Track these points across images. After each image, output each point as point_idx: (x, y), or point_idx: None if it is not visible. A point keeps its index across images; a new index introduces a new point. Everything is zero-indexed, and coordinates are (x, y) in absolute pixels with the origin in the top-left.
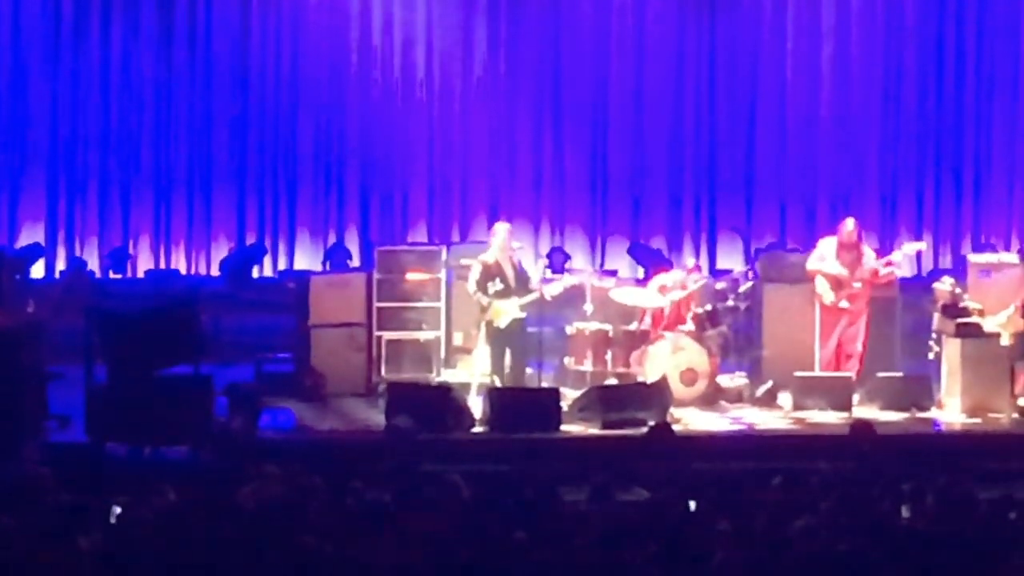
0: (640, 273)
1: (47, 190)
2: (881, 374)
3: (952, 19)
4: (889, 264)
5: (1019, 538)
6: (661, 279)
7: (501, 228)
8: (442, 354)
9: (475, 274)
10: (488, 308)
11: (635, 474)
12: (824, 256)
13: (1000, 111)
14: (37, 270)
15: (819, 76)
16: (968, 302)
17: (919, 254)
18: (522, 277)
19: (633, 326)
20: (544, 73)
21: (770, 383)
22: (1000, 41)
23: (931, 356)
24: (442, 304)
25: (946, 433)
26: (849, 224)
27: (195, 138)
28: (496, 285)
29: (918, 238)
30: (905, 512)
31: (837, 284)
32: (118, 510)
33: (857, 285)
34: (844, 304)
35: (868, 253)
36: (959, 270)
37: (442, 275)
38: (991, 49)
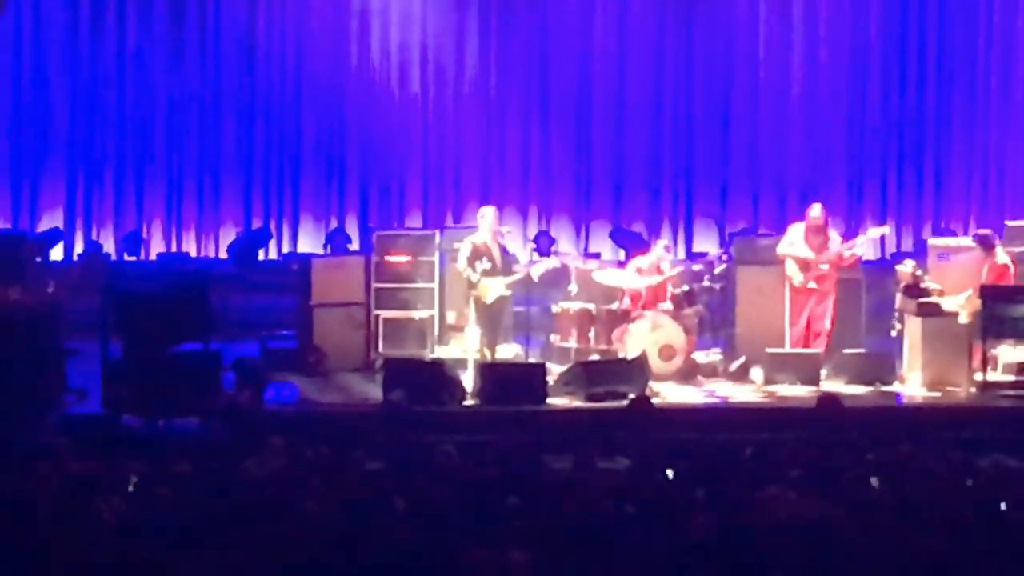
0: (622, 256)
1: (66, 178)
2: (847, 351)
3: (914, 22)
4: (852, 247)
5: (977, 502)
6: (637, 261)
7: (488, 211)
8: (436, 332)
9: (465, 253)
10: (476, 285)
11: (616, 444)
12: (793, 241)
13: (959, 106)
14: (57, 253)
15: (789, 73)
16: (928, 283)
17: (882, 237)
18: (508, 258)
19: (615, 305)
20: (532, 70)
21: (743, 359)
22: (959, 42)
23: (894, 334)
24: (436, 285)
25: (908, 406)
26: (816, 210)
27: (204, 129)
28: (484, 264)
29: (882, 223)
30: (874, 482)
31: (805, 266)
32: (135, 479)
33: (824, 267)
34: (812, 285)
35: (834, 237)
36: (920, 253)
37: (436, 258)
38: (951, 49)
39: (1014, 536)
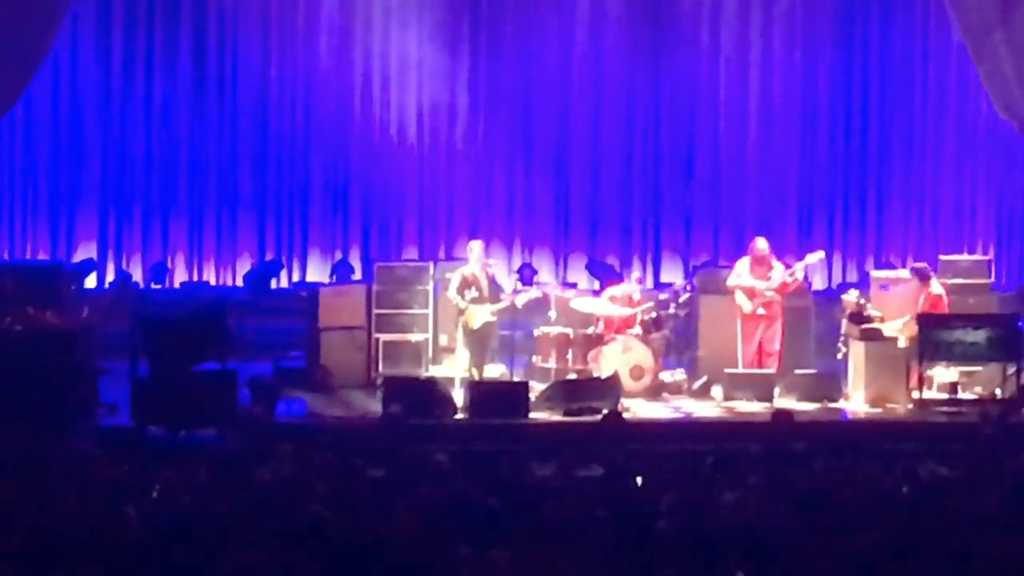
0: (596, 285)
1: (99, 214)
2: (798, 371)
3: (858, 75)
4: (792, 274)
5: (914, 506)
6: (613, 290)
7: (476, 245)
8: (430, 353)
9: (455, 282)
10: (464, 311)
11: (591, 454)
12: (740, 273)
13: (897, 152)
14: (90, 281)
15: (746, 120)
16: (871, 311)
17: (828, 266)
18: (495, 287)
19: (590, 330)
20: (516, 118)
21: (705, 378)
22: (898, 94)
23: (839, 356)
24: (430, 311)
25: (852, 420)
26: (760, 243)
27: (222, 172)
28: (472, 293)
29: (830, 258)
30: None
31: (752, 295)
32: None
33: (769, 294)
34: (761, 311)
35: (777, 266)
36: (863, 284)
37: (430, 287)
38: (890, 101)
39: (947, 536)
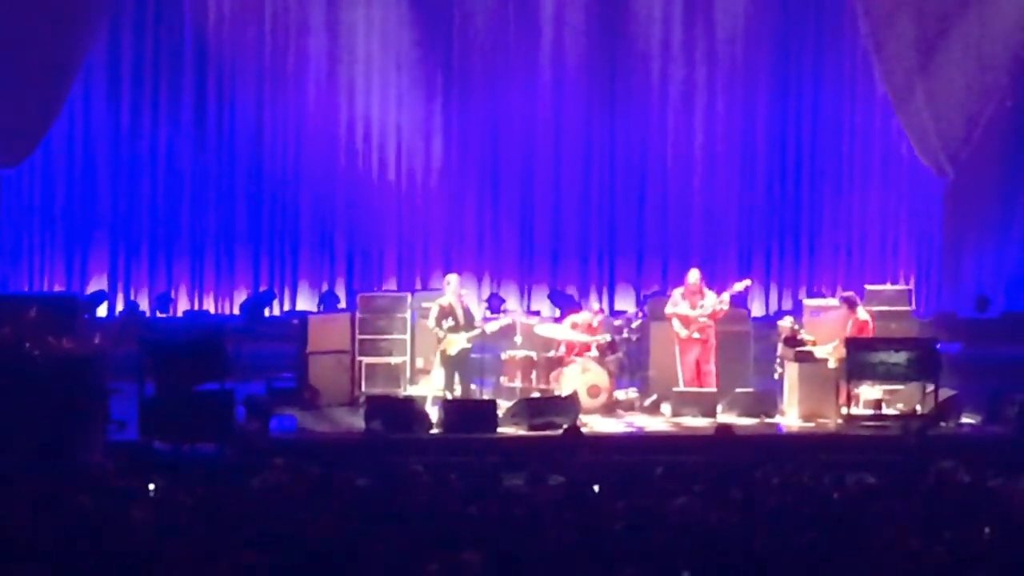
0: (557, 313)
1: (109, 250)
2: (738, 390)
3: (792, 122)
4: (721, 302)
5: (842, 512)
6: (573, 318)
7: (452, 278)
8: (407, 374)
9: (434, 313)
10: (443, 340)
11: (553, 464)
12: (676, 301)
13: (828, 192)
14: (102, 310)
15: (692, 162)
16: (804, 335)
17: (765, 298)
18: (469, 316)
19: (552, 353)
20: (484, 160)
21: (655, 396)
22: (828, 140)
23: (776, 376)
24: (407, 336)
25: (787, 434)
26: (693, 275)
27: (221, 210)
28: (449, 322)
29: (766, 287)
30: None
31: (686, 322)
32: (152, 486)
33: (703, 320)
34: (696, 335)
35: (709, 295)
36: (797, 311)
37: (408, 315)
38: (822, 145)
39: (873, 537)
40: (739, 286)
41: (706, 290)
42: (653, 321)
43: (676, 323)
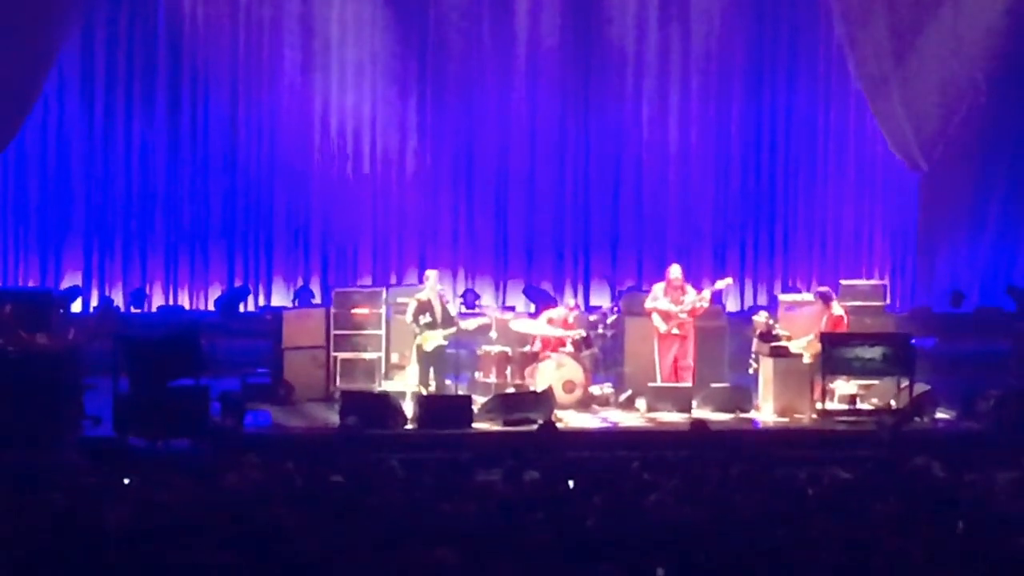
0: (532, 308)
1: (83, 245)
2: (713, 385)
3: (767, 118)
4: (702, 299)
5: (816, 507)
6: (548, 313)
7: (431, 274)
8: (382, 369)
9: (411, 309)
10: (419, 335)
11: (528, 460)
12: (656, 296)
13: (802, 187)
14: (76, 306)
15: (667, 159)
16: (779, 330)
17: (740, 290)
18: (446, 313)
19: (527, 348)
20: (459, 156)
21: (630, 391)
22: (803, 135)
23: (751, 371)
24: (382, 332)
25: (762, 429)
26: (675, 270)
27: (196, 206)
28: (426, 318)
29: (741, 283)
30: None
31: (667, 317)
32: (126, 481)
33: (683, 316)
34: (675, 331)
35: (689, 291)
36: (772, 306)
37: (383, 310)
38: (796, 141)
39: (848, 532)
40: (720, 284)
41: (687, 286)
42: (628, 316)
43: (656, 318)
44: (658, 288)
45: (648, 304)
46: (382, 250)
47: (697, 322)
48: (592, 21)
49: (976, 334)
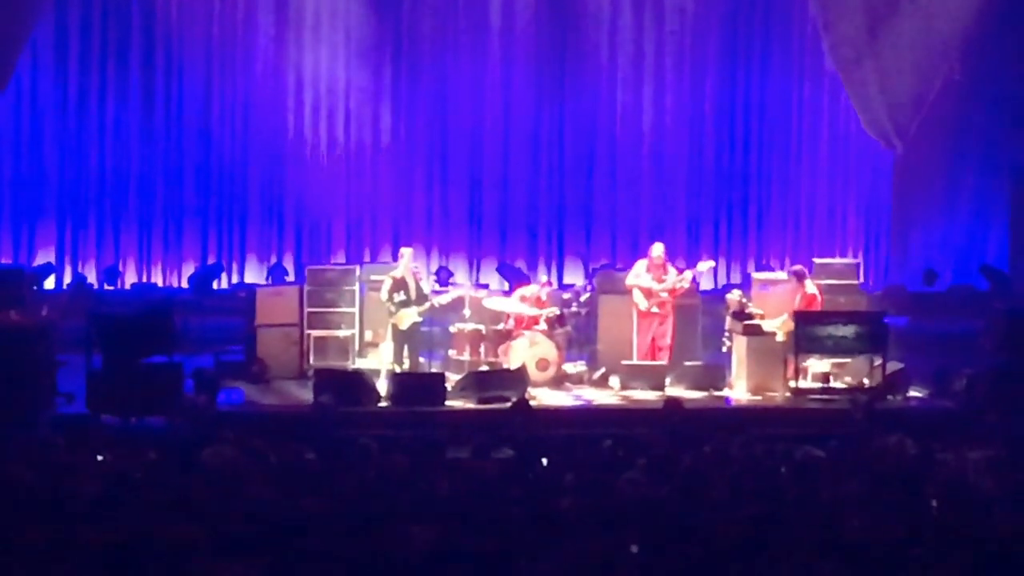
0: (506, 286)
1: (57, 223)
2: (687, 363)
3: (741, 96)
4: (683, 280)
5: (790, 484)
6: (521, 291)
7: (406, 252)
8: (356, 347)
9: (386, 286)
10: (394, 313)
11: (502, 437)
12: (638, 274)
13: (776, 165)
14: (49, 283)
15: (641, 136)
16: (752, 309)
17: (715, 272)
18: (420, 291)
19: (500, 326)
20: (433, 134)
21: (603, 369)
22: (776, 113)
23: (724, 349)
24: (356, 309)
25: (735, 407)
26: (657, 248)
27: (169, 183)
28: (400, 296)
29: (714, 260)
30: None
31: (648, 294)
32: (100, 458)
33: (663, 294)
34: (655, 309)
35: (671, 270)
36: (745, 285)
37: (356, 287)
38: (770, 118)
39: (820, 510)
40: (703, 266)
41: (669, 266)
42: (602, 294)
43: (637, 294)
44: (640, 265)
45: (629, 281)
46: (356, 228)
47: (675, 301)
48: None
49: (949, 313)
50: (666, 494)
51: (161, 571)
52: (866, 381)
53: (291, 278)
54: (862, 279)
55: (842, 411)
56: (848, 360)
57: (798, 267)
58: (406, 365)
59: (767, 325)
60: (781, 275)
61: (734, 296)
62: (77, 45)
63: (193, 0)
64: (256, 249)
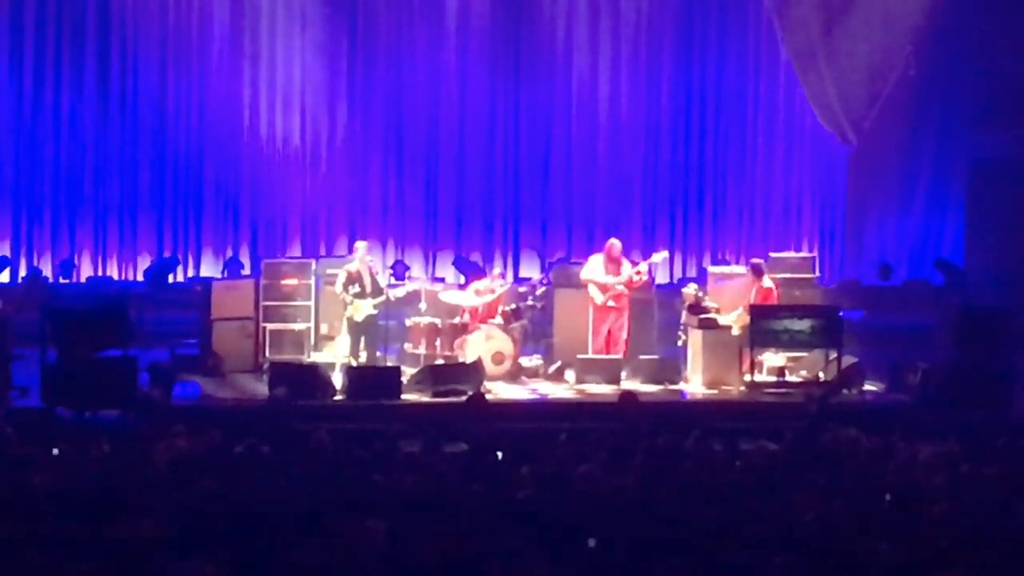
0: (462, 280)
1: (12, 216)
2: (642, 356)
3: (696, 90)
4: (639, 272)
5: (745, 477)
6: (475, 285)
7: (361, 245)
8: (311, 340)
9: (341, 279)
10: (349, 306)
11: (457, 431)
12: (594, 268)
13: (732, 159)
14: (4, 276)
15: (596, 129)
16: (708, 302)
17: (670, 262)
18: (375, 284)
19: (456, 320)
20: (389, 127)
21: (559, 363)
22: (732, 107)
23: (680, 343)
24: (312, 303)
25: (691, 401)
26: (615, 243)
27: (124, 176)
28: (355, 288)
29: (671, 255)
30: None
31: (604, 289)
32: (55, 451)
33: (620, 288)
34: (611, 303)
35: (626, 264)
36: (701, 278)
37: (312, 281)
38: (726, 112)
39: (775, 502)
40: (656, 257)
41: (623, 260)
42: (557, 288)
43: (592, 289)
44: (596, 260)
45: (584, 275)
46: (311, 221)
47: (631, 295)
48: None
49: (904, 307)
50: (621, 488)
51: (115, 566)
52: (821, 375)
53: (247, 272)
54: (817, 273)
55: (797, 405)
56: (803, 354)
57: (758, 260)
58: (362, 358)
59: (722, 319)
60: (737, 269)
61: (690, 290)
62: (32, 38)
63: None
64: (212, 243)
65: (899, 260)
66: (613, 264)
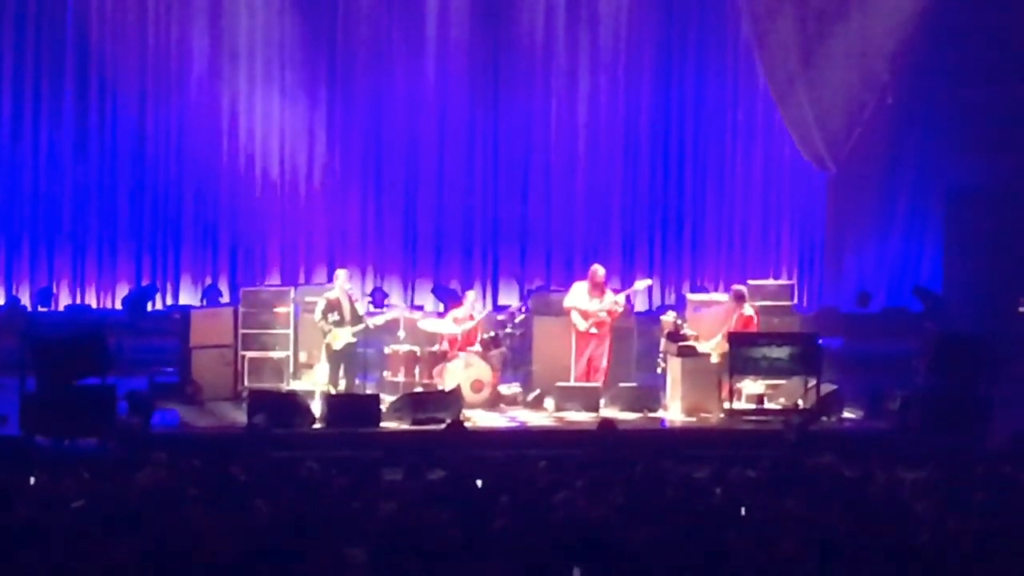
0: (441, 308)
1: None
2: (621, 384)
3: (676, 116)
4: (616, 303)
5: (723, 506)
6: (454, 312)
7: (341, 274)
8: (290, 368)
9: (320, 307)
10: (328, 334)
11: (436, 459)
12: (577, 295)
13: (711, 186)
14: None
15: (575, 156)
16: (687, 330)
17: (650, 293)
18: (355, 311)
19: (435, 348)
20: (368, 156)
21: (538, 391)
22: (711, 134)
23: (659, 371)
24: (291, 331)
25: (670, 428)
26: (598, 270)
27: (103, 206)
28: (335, 316)
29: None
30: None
31: (586, 316)
32: (33, 480)
33: (602, 315)
34: (593, 330)
35: (608, 292)
36: (680, 306)
37: (291, 309)
38: (704, 139)
39: (754, 529)
40: (640, 284)
41: (606, 287)
42: (536, 316)
43: (575, 315)
44: (579, 287)
45: (568, 302)
46: (290, 249)
47: (612, 323)
48: (501, 17)
49: (883, 334)
50: (600, 515)
51: None
52: (800, 402)
53: (226, 300)
54: (796, 300)
55: (776, 432)
56: (782, 381)
57: (741, 288)
58: (341, 386)
59: (702, 346)
60: (716, 296)
61: (669, 317)
62: (11, 68)
63: (127, 23)
64: (191, 270)
65: (877, 287)
66: (595, 291)
